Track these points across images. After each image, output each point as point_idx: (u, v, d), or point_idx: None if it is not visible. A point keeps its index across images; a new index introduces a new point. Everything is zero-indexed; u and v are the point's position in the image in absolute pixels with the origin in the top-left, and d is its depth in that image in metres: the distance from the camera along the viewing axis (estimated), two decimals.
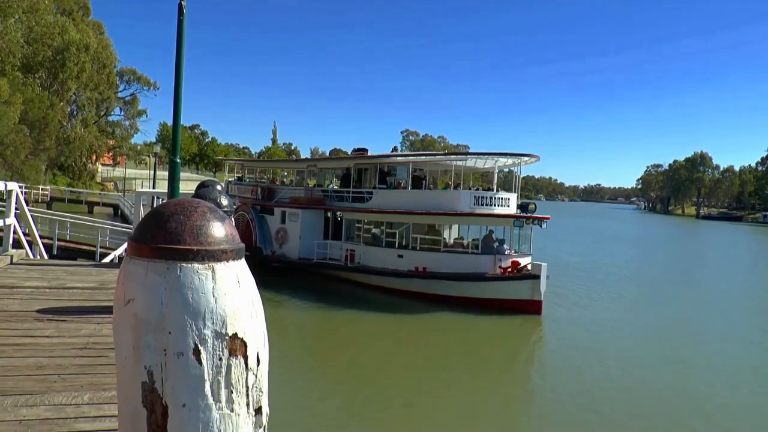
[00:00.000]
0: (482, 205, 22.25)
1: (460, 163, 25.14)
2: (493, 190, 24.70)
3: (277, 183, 31.94)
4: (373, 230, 24.48)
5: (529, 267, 20.77)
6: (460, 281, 20.99)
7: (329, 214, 26.01)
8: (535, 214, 21.83)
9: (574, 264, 34.15)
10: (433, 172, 29.08)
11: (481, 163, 24.75)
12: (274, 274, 24.35)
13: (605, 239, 59.25)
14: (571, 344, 16.96)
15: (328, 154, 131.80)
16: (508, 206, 22.89)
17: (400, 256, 22.54)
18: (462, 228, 25.51)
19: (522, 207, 22.39)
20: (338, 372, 14.01)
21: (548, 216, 22.34)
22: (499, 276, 20.89)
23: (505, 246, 22.20)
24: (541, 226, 22.05)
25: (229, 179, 36.19)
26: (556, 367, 15.05)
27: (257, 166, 39.87)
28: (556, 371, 14.61)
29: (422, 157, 28.74)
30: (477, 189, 26.81)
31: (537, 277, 19.73)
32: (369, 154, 27.17)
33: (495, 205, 22.52)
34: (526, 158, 23.47)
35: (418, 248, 22.52)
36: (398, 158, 28.32)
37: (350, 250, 24.11)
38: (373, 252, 23.53)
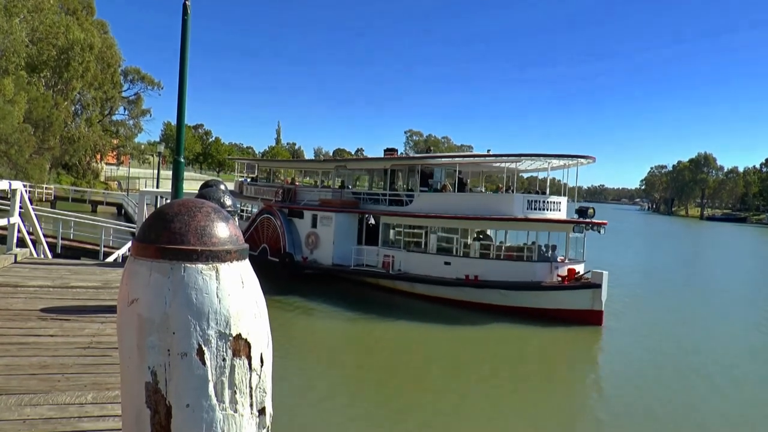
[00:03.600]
0: (535, 209, 21.03)
1: (511, 165, 23.63)
2: (543, 193, 23.26)
3: (291, 183, 31.24)
4: (415, 235, 22.95)
5: (588, 275, 19.69)
6: (515, 290, 19.88)
7: (364, 218, 24.65)
8: (594, 220, 20.83)
9: (618, 269, 32.34)
10: (467, 174, 27.51)
11: (528, 164, 23.62)
12: (306, 282, 23.45)
13: (634, 242, 58.66)
14: (634, 357, 16.23)
15: (332, 154, 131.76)
16: (560, 210, 21.79)
17: (447, 263, 21.36)
18: (502, 232, 23.83)
19: (581, 212, 21.29)
20: (378, 382, 13.53)
21: (605, 221, 21.38)
22: (557, 285, 19.88)
23: (557, 253, 21.24)
24: (599, 231, 20.94)
25: (239, 179, 35.18)
26: (616, 382, 14.22)
27: (279, 166, 38.57)
28: (616, 387, 13.79)
29: (469, 158, 26.77)
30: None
31: (598, 286, 18.76)
32: (406, 155, 26.26)
33: (547, 210, 21.33)
34: (582, 160, 21.98)
35: (468, 255, 21.30)
36: (443, 159, 26.68)
37: (389, 256, 22.77)
38: (415, 258, 22.20)
